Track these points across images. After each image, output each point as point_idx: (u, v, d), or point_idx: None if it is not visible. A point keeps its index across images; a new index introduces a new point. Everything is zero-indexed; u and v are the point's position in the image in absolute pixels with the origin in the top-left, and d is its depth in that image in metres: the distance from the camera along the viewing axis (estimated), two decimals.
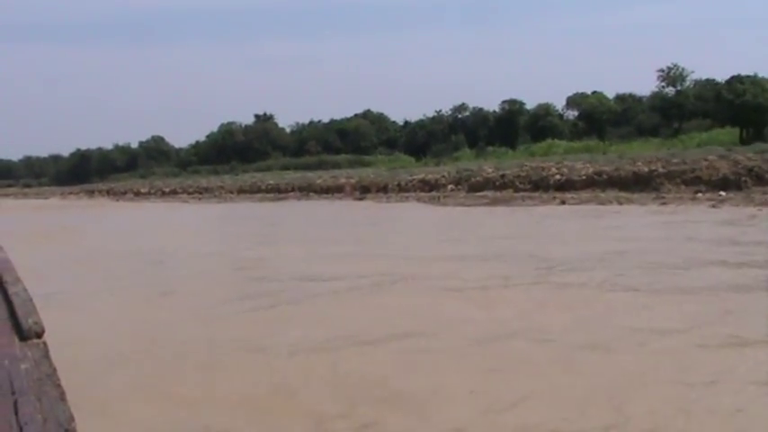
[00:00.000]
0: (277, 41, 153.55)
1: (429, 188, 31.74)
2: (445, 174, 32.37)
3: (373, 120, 74.35)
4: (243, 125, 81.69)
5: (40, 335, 1.19)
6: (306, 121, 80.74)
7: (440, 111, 67.76)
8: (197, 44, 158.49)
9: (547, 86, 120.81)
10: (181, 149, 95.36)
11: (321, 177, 41.03)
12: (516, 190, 28.55)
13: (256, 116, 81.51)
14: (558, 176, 28.50)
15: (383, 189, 34.14)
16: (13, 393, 0.89)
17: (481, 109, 64.69)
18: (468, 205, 26.64)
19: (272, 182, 44.89)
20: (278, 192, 42.13)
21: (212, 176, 67.54)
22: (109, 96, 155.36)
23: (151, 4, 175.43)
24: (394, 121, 75.93)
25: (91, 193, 71.57)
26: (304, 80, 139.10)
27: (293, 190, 41.18)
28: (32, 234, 21.03)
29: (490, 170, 30.78)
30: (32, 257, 12.84)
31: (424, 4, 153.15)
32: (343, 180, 37.99)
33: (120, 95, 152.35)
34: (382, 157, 64.66)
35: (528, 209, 24.62)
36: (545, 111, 57.73)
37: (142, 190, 61.28)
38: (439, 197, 29.29)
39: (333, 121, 76.06)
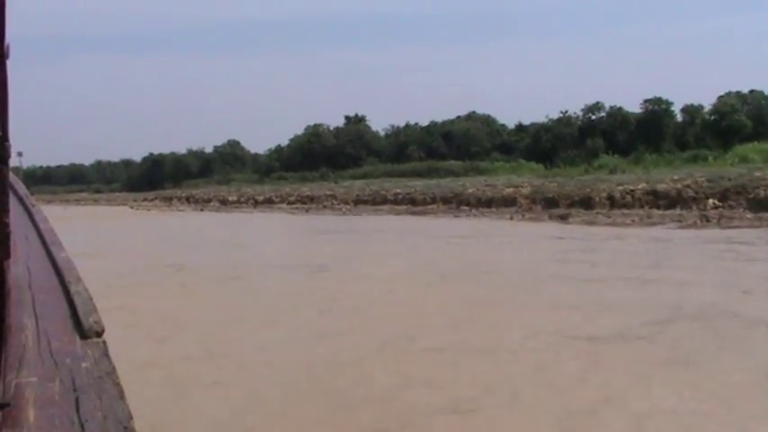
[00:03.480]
0: (349, 50, 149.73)
1: (670, 203, 22.74)
2: (691, 183, 23.21)
3: (481, 122, 65.63)
4: (331, 128, 74.11)
5: (100, 334, 1.18)
6: (401, 123, 72.59)
7: (566, 112, 58.51)
8: (267, 53, 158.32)
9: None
10: (258, 154, 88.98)
11: (472, 186, 32.31)
12: None
13: (347, 118, 73.80)
14: None
15: (581, 203, 25.22)
16: (75, 391, 0.91)
17: (620, 108, 55.22)
18: None
19: (399, 190, 36.43)
20: (412, 203, 33.64)
21: (300, 183, 60.12)
22: (181, 102, 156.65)
23: (223, 16, 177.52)
24: (503, 124, 67.13)
25: (168, 201, 64.78)
26: (390, 85, 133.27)
27: (433, 201, 32.61)
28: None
29: None
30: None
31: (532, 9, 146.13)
32: (508, 189, 29.19)
33: (192, 101, 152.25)
34: (500, 163, 55.85)
35: None
36: (729, 107, 47.92)
37: (230, 198, 53.92)
38: (704, 217, 20.25)
39: (434, 124, 67.64)
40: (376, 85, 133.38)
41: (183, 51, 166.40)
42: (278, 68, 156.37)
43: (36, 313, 1.36)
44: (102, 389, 0.94)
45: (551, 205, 25.91)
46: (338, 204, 39.43)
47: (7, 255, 1.72)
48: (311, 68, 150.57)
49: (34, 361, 1.07)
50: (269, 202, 47.35)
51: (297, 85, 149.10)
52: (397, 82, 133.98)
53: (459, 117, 68.50)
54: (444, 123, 66.93)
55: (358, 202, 38.30)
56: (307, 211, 39.59)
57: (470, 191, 31.07)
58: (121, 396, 0.93)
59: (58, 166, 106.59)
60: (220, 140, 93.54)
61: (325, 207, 39.81)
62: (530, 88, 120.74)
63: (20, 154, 74.49)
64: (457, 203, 30.59)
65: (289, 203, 44.62)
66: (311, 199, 43.19)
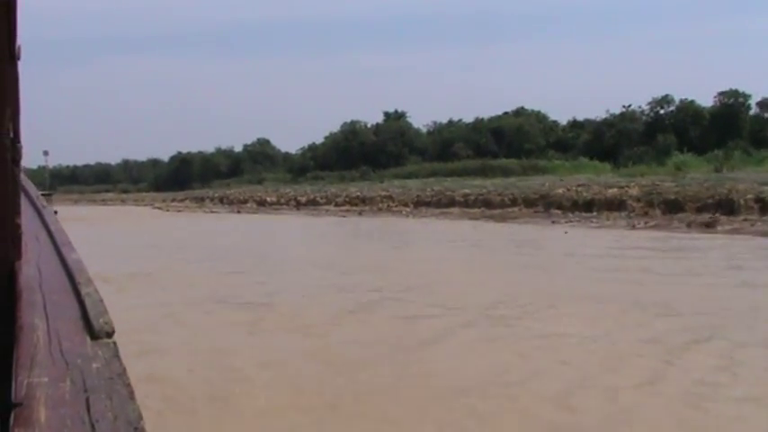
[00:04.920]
0: (381, 50, 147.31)
1: None
2: None
3: (533, 118, 61.37)
4: (368, 125, 70.25)
5: (110, 334, 1.20)
6: (443, 120, 68.53)
7: (629, 106, 54.07)
8: (294, 52, 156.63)
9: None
10: (289, 153, 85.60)
11: (559, 186, 28.14)
12: None
13: (386, 114, 69.84)
14: None
15: (717, 207, 20.94)
16: (86, 391, 0.94)
17: (692, 102, 50.68)
18: None
19: (469, 191, 32.37)
20: (487, 206, 29.57)
21: (340, 183, 56.33)
22: (209, 102, 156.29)
23: (251, 16, 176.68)
24: (555, 120, 62.83)
25: (200, 201, 61.26)
26: (426, 84, 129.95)
27: (514, 204, 28.51)
28: None
29: None
30: None
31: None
32: (611, 191, 24.97)
33: (220, 101, 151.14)
34: (559, 162, 51.58)
35: None
36: None
37: (268, 199, 50.21)
38: None
39: (480, 121, 63.42)
40: (411, 84, 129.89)
41: (210, 52, 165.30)
42: (306, 68, 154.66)
43: (47, 314, 1.36)
44: (113, 389, 0.94)
45: (673, 209, 21.73)
46: (395, 206, 35.50)
47: (19, 256, 1.78)
48: (342, 67, 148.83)
49: (45, 361, 1.07)
50: (313, 203, 43.53)
51: (327, 83, 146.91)
52: (435, 81, 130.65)
53: (506, 113, 64.32)
54: (492, 120, 62.73)
55: (419, 204, 34.32)
56: (360, 213, 35.73)
57: (560, 191, 26.90)
58: (132, 397, 0.93)
59: (85, 166, 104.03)
60: (249, 139, 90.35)
61: (380, 210, 35.92)
62: (576, 84, 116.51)
63: (46, 153, 71.02)
64: (545, 206, 26.45)
65: (336, 205, 40.77)
66: (362, 200, 39.28)
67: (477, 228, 23.27)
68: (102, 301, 1.40)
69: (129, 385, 0.98)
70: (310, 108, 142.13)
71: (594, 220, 22.43)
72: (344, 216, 35.14)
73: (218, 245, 19.44)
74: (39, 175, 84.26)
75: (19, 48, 1.40)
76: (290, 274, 13.06)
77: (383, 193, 38.58)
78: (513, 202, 28.37)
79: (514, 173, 48.11)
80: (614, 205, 23.73)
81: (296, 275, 12.74)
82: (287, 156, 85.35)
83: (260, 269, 13.61)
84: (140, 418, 0.88)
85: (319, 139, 75.82)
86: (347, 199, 41.08)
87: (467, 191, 32.44)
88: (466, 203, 30.92)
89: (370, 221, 29.78)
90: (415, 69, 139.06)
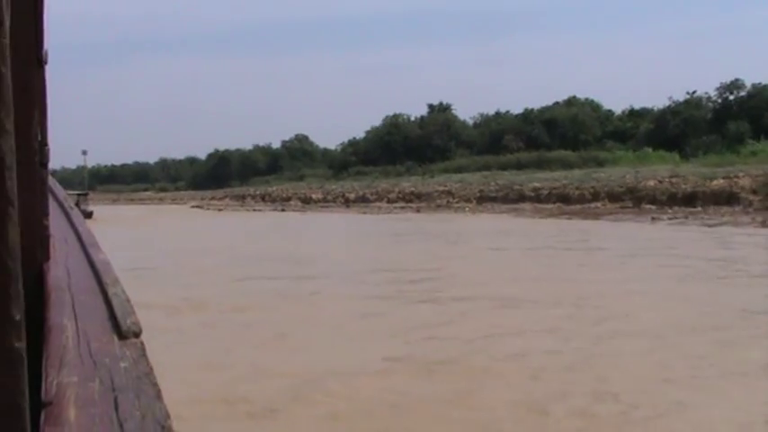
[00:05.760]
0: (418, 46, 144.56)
1: None
2: None
3: (585, 108, 58.26)
4: (412, 118, 67.78)
5: (137, 334, 1.21)
6: (488, 111, 65.75)
7: (694, 92, 50.73)
8: (329, 50, 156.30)
9: None
10: (328, 149, 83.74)
11: (648, 177, 25.28)
12: None
13: (430, 106, 67.30)
14: None
15: None
16: (114, 390, 0.95)
17: (766, 86, 47.13)
18: None
19: (539, 185, 29.67)
20: (563, 201, 26.87)
21: (386, 178, 53.95)
22: (246, 99, 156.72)
23: (285, 15, 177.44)
24: (609, 110, 59.65)
25: (240, 199, 59.51)
26: (468, 78, 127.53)
27: (595, 198, 25.77)
28: None
29: None
30: None
31: None
32: (718, 182, 22.09)
33: (257, 99, 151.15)
34: (621, 153, 48.52)
35: None
36: None
37: (313, 196, 48.10)
38: None
39: (530, 111, 60.46)
40: (453, 76, 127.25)
41: (245, 50, 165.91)
42: (342, 63, 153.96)
43: (75, 314, 1.37)
44: (141, 389, 0.95)
45: None
46: (456, 202, 32.97)
47: (47, 257, 1.82)
48: (377, 62, 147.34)
49: (74, 361, 1.09)
50: (363, 200, 41.25)
51: (365, 78, 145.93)
52: (477, 74, 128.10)
53: (557, 103, 61.26)
54: (543, 110, 59.74)
55: (482, 199, 31.74)
56: (417, 210, 33.30)
57: (651, 184, 24.06)
58: (159, 396, 0.93)
59: (123, 165, 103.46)
60: (287, 135, 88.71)
61: (438, 206, 33.45)
62: (627, 72, 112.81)
63: (84, 152, 70.23)
64: (634, 201, 23.66)
65: (389, 201, 38.44)
66: (417, 196, 36.84)
67: (568, 227, 20.66)
68: (129, 301, 1.39)
69: (156, 384, 0.98)
70: (348, 103, 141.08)
71: (704, 216, 19.63)
72: (400, 213, 32.74)
73: (289, 254, 16.94)
74: (77, 175, 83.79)
75: (46, 53, 1.49)
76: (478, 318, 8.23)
77: (440, 189, 36.10)
78: (595, 197, 25.63)
79: (573, 165, 45.26)
80: (722, 198, 20.91)
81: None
82: (326, 152, 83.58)
83: (399, 305, 9.18)
84: (168, 416, 0.87)
85: (359, 134, 73.70)
86: (400, 195, 38.73)
87: (537, 184, 29.74)
88: (538, 198, 28.26)
89: (435, 219, 27.26)
90: (454, 62, 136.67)
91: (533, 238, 18.58)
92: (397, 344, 6.86)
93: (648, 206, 22.92)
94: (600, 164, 45.50)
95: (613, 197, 24.99)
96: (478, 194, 32.33)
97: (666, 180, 24.08)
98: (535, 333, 7.11)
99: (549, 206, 26.81)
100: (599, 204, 25.00)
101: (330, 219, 31.23)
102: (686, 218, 19.91)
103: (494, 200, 30.88)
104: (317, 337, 7.44)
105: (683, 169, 29.94)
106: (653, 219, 20.49)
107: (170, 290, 10.40)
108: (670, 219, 20.23)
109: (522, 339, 6.86)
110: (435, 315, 8.34)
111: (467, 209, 30.92)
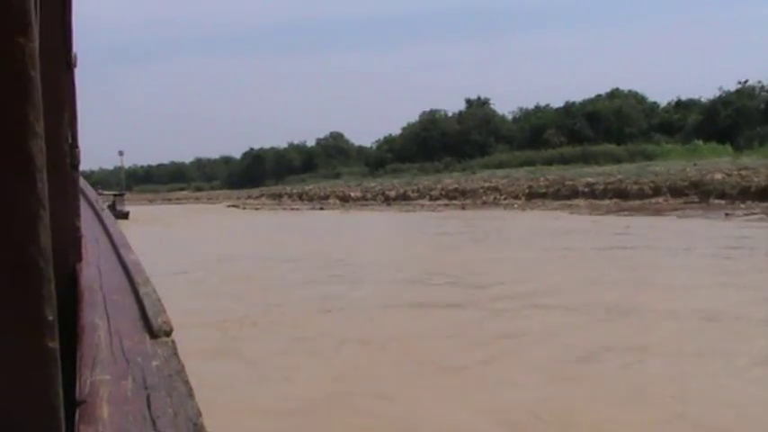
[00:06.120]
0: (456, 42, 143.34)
1: None
2: None
3: (629, 100, 56.46)
4: (449, 113, 66.56)
5: (168, 333, 1.23)
6: (530, 105, 64.22)
7: (746, 82, 48.69)
8: (361, 49, 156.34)
9: None
10: (363, 147, 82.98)
11: (714, 170, 23.82)
12: None
13: (467, 101, 66.02)
14: None
15: None
16: (146, 388, 0.97)
17: None
18: None
19: (592, 179, 28.35)
20: (620, 197, 25.51)
21: (425, 175, 52.90)
22: (280, 98, 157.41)
23: (319, 14, 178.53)
24: (654, 101, 57.76)
25: (277, 198, 58.97)
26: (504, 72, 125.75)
27: (656, 194, 24.40)
28: None
29: None
30: None
31: None
32: None
33: (291, 97, 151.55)
34: (670, 146, 46.75)
35: None
36: None
37: (351, 194, 47.28)
38: None
39: (572, 104, 58.84)
40: (490, 71, 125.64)
41: (279, 49, 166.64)
42: (374, 61, 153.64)
43: (108, 314, 1.39)
44: (172, 387, 0.97)
45: None
46: (504, 199, 31.81)
47: (79, 257, 1.84)
48: (412, 59, 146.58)
49: (107, 360, 1.11)
50: (404, 197, 40.27)
51: (395, 76, 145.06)
52: (516, 66, 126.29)
53: (599, 96, 59.51)
54: (585, 103, 58.06)
55: (532, 195, 30.52)
56: (462, 207, 32.22)
57: (718, 177, 22.62)
58: (191, 394, 0.95)
59: (159, 165, 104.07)
60: (321, 133, 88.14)
61: (484, 203, 32.33)
62: (671, 63, 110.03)
63: (121, 153, 70.62)
64: (700, 196, 22.28)
65: (432, 199, 37.41)
66: (462, 193, 35.74)
67: (634, 223, 19.39)
68: (160, 300, 1.39)
69: (187, 382, 0.98)
70: (382, 100, 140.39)
71: None
72: (444, 211, 31.67)
73: (370, 259, 15.99)
74: (114, 176, 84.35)
75: (75, 56, 1.50)
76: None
77: (486, 185, 34.93)
78: (656, 192, 24.27)
79: (621, 159, 43.67)
80: None
81: None
82: (361, 149, 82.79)
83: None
84: (199, 414, 0.88)
85: (395, 131, 72.69)
86: (443, 192, 37.65)
87: (590, 179, 28.41)
88: (593, 194, 26.94)
89: (484, 217, 26.15)
90: (490, 57, 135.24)
91: (600, 236, 17.38)
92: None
93: (717, 201, 21.52)
94: (648, 157, 43.84)
95: (676, 192, 23.61)
96: (527, 190, 31.10)
97: (735, 173, 22.64)
98: (679, 353, 6.01)
99: (606, 202, 25.51)
100: (660, 200, 23.64)
101: (376, 218, 30.27)
102: (765, 213, 18.51)
103: (544, 196, 29.64)
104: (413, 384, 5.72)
105: (744, 161, 28.37)
106: (726, 215, 19.13)
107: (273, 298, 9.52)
108: (746, 215, 18.85)
109: (665, 361, 5.78)
110: (548, 330, 7.23)
111: (515, 205, 29.73)
